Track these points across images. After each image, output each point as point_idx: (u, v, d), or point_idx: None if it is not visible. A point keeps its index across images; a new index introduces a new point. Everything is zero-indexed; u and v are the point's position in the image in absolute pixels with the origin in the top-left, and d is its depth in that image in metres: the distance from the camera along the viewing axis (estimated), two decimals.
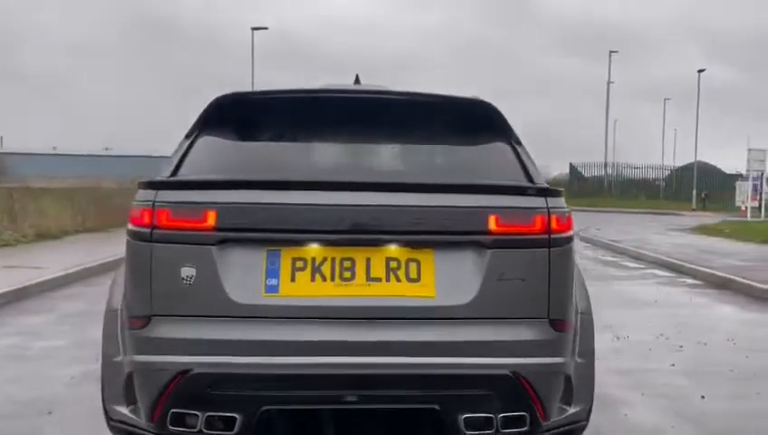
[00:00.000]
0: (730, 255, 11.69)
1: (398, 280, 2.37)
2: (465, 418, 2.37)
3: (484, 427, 2.40)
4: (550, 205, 2.47)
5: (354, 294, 2.34)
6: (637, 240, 14.76)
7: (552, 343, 2.46)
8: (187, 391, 2.36)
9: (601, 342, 5.27)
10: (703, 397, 4.08)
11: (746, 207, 26.07)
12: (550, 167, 50.93)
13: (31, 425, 3.49)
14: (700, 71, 37.60)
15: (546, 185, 2.59)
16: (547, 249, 2.44)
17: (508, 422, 2.42)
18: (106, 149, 63.76)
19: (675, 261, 10.79)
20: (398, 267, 2.38)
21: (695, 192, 35.18)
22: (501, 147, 2.76)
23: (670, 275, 9.96)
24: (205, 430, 2.38)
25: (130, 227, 2.50)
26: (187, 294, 2.36)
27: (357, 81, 3.28)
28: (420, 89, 2.84)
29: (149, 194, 2.44)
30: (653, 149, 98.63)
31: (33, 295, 7.29)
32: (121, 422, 2.69)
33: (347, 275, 2.36)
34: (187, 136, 2.78)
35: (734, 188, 30.55)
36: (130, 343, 2.48)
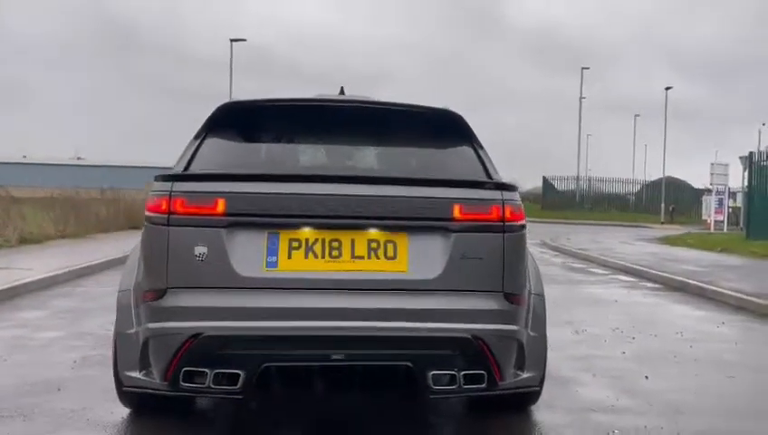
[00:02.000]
0: (689, 262, 12.34)
1: (378, 258, 2.83)
2: (433, 374, 2.83)
3: (449, 383, 2.86)
4: (505, 197, 2.96)
5: (341, 269, 2.80)
6: (604, 249, 15.40)
7: (507, 313, 2.93)
8: (198, 352, 2.77)
9: (561, 335, 5.80)
10: (647, 377, 4.58)
11: (711, 221, 27.03)
12: (523, 180, 51.88)
13: (44, 400, 3.85)
14: (667, 88, 38.75)
15: (502, 181, 3.07)
16: (502, 234, 2.92)
17: (469, 379, 2.87)
18: (78, 158, 63.29)
19: (637, 267, 11.39)
20: (378, 247, 2.84)
21: (663, 206, 36.21)
22: (465, 149, 3.24)
23: (632, 279, 10.54)
24: (212, 386, 2.79)
25: (149, 214, 2.91)
26: (199, 269, 2.78)
27: (342, 92, 3.75)
28: (397, 99, 3.32)
29: (166, 185, 2.87)
30: (625, 164, 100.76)
31: (25, 294, 7.59)
32: (134, 387, 3.07)
33: (335, 253, 2.81)
34: (196, 137, 3.21)
35: (702, 202, 31.61)
36: (147, 314, 2.88)
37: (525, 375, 3.15)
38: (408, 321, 2.79)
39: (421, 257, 2.85)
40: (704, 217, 29.77)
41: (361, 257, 2.82)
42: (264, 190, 2.82)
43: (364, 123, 3.29)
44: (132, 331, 3.02)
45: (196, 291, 2.79)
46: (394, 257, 2.84)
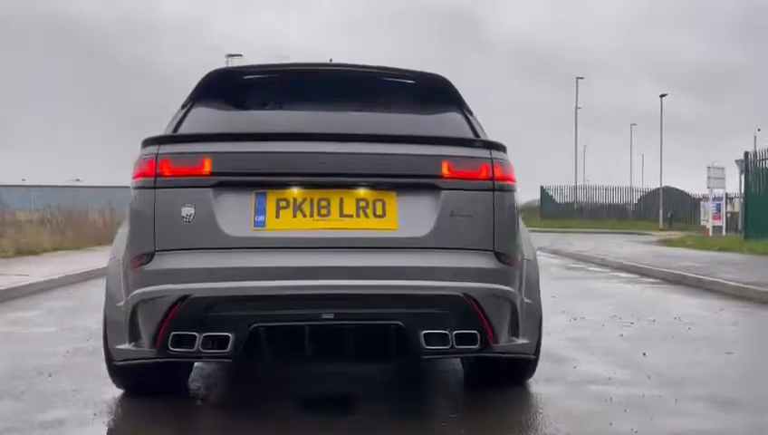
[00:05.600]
0: (689, 259, 12.31)
1: (367, 216, 2.81)
2: (425, 334, 2.78)
3: (442, 343, 2.81)
4: (494, 156, 2.94)
5: (330, 227, 2.77)
6: (603, 250, 15.35)
7: (498, 272, 2.89)
8: (187, 315, 2.72)
9: (558, 321, 5.75)
10: (644, 354, 4.54)
11: (710, 226, 26.96)
12: (519, 194, 51.71)
13: (35, 383, 3.81)
14: (662, 95, 38.87)
15: (491, 140, 3.05)
16: (491, 192, 2.90)
17: (462, 339, 2.82)
18: (77, 180, 63.36)
19: (636, 264, 11.36)
20: (367, 206, 2.82)
21: (661, 212, 36.17)
22: (454, 112, 3.23)
23: (632, 276, 10.50)
24: (202, 350, 2.74)
25: (135, 180, 2.88)
26: (187, 231, 2.75)
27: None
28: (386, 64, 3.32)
29: (153, 148, 2.84)
30: (621, 174, 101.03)
31: (20, 297, 7.54)
32: (125, 360, 3.02)
33: (323, 212, 2.79)
34: (183, 106, 3.20)
35: (700, 209, 31.58)
36: (135, 280, 2.84)
37: (520, 341, 3.10)
38: (398, 279, 2.75)
39: (410, 215, 2.82)
40: (702, 223, 29.72)
41: (350, 216, 2.80)
42: (250, 149, 2.80)
43: (353, 88, 3.28)
44: (121, 303, 2.98)
45: (183, 253, 2.76)
46: (383, 216, 2.82)
